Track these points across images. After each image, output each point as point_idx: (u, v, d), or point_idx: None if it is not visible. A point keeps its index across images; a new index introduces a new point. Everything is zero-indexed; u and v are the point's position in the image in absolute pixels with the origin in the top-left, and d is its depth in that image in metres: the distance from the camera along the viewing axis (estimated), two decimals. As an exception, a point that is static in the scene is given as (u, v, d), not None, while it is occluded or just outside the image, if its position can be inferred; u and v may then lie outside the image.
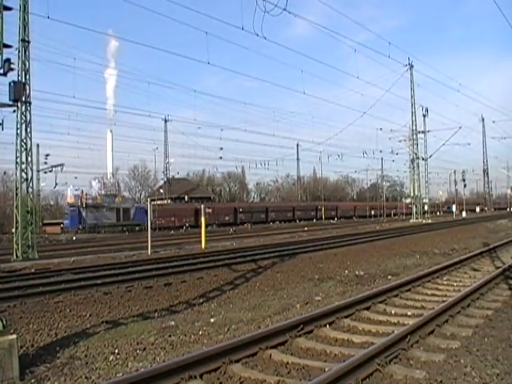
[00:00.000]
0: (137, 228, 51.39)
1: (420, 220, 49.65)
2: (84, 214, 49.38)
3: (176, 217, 53.83)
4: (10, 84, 18.68)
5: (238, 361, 5.57)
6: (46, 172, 55.19)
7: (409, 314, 8.12)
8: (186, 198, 64.06)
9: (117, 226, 51.54)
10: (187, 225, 54.60)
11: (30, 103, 20.99)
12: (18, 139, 20.73)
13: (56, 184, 55.67)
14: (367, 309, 8.37)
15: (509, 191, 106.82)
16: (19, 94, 19.28)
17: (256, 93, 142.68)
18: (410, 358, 5.65)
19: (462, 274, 12.76)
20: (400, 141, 51.11)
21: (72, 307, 9.92)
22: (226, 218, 59.12)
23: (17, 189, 21.19)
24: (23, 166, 20.84)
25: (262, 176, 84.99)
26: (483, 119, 77.64)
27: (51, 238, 37.50)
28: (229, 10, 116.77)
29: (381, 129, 57.91)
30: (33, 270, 15.94)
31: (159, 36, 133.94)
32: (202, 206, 25.87)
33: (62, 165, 51.54)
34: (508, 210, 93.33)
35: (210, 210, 54.63)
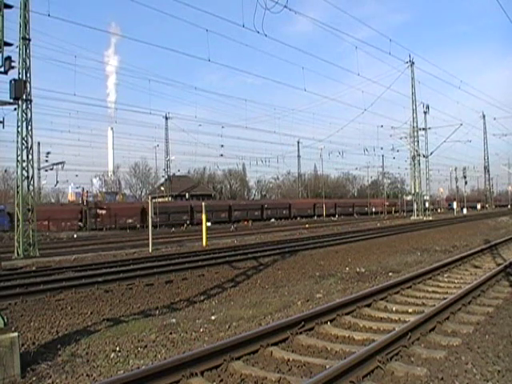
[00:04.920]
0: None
1: (421, 217, 49.60)
2: None
3: (51, 220, 42.06)
4: (10, 82, 18.66)
5: (238, 358, 5.57)
6: (46, 170, 55.49)
7: (410, 311, 8.12)
8: (187, 195, 63.98)
9: None
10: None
11: (30, 101, 21.00)
12: (19, 137, 20.73)
13: (57, 182, 56.00)
14: (368, 306, 8.37)
15: (510, 188, 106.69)
16: (20, 92, 19.18)
17: (257, 90, 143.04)
18: (411, 355, 5.65)
19: (463, 271, 12.75)
20: (401, 138, 51.05)
21: (73, 305, 9.94)
22: (130, 221, 47.84)
23: (18, 187, 21.19)
24: (24, 164, 20.86)
25: (262, 173, 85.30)
26: (484, 116, 77.49)
27: (52, 235, 37.45)
28: (229, 7, 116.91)
29: (382, 126, 58.39)
30: (34, 268, 15.95)
31: (160, 33, 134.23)
32: (203, 204, 25.75)
33: (62, 163, 51.79)
34: (509, 206, 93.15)
35: (104, 212, 46.13)
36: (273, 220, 59.24)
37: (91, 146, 78.84)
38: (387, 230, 30.87)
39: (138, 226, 47.51)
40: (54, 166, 52.57)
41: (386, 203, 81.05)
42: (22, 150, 20.79)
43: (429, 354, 5.62)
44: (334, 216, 67.29)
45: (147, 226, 44.78)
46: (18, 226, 20.98)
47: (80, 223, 44.75)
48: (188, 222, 51.03)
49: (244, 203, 63.10)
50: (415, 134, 49.90)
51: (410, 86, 48.80)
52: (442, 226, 36.48)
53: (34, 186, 21.97)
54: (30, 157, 21.14)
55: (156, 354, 6.17)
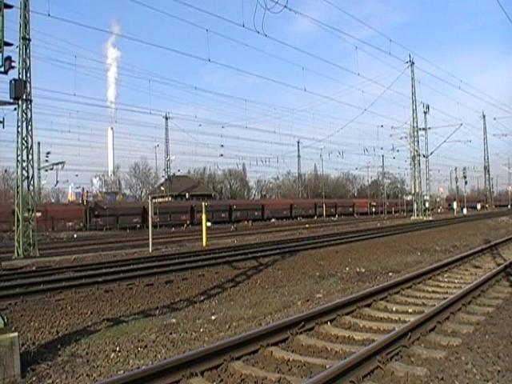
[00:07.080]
0: None
1: (421, 217, 49.59)
2: None
3: None
4: (10, 82, 18.65)
5: (239, 358, 5.57)
6: (47, 170, 55.35)
7: (410, 311, 8.12)
8: (187, 195, 63.97)
9: None
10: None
11: (30, 101, 21.00)
12: (19, 137, 20.73)
13: (57, 182, 55.86)
14: (368, 306, 8.37)
15: (510, 188, 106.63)
16: (20, 92, 19.11)
17: (257, 90, 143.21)
18: (411, 355, 5.65)
19: (463, 270, 12.75)
20: (401, 138, 51.02)
21: (73, 305, 9.94)
22: (70, 224, 43.13)
23: (18, 187, 21.19)
24: (24, 164, 20.86)
25: (262, 173, 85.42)
26: (484, 116, 77.57)
27: (52, 235, 37.45)
28: (229, 7, 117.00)
29: (382, 126, 58.53)
30: (34, 268, 15.95)
31: (160, 33, 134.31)
32: (204, 204, 25.70)
33: (62, 163, 51.70)
34: (509, 206, 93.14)
35: (39, 214, 37.27)
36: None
37: (91, 145, 78.52)
38: (387, 230, 30.86)
39: (80, 227, 43.25)
40: (54, 166, 52.47)
41: (373, 203, 78.76)
42: (22, 150, 20.79)
43: (429, 354, 5.61)
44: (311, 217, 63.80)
45: (91, 229, 41.74)
46: (17, 225, 20.98)
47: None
48: (139, 226, 46.11)
49: (209, 204, 57.39)
50: (415, 133, 49.88)
51: (410, 85, 48.79)
52: (442, 226, 36.46)
53: (34, 185, 21.98)
54: (30, 157, 21.14)
55: (156, 354, 6.17)
